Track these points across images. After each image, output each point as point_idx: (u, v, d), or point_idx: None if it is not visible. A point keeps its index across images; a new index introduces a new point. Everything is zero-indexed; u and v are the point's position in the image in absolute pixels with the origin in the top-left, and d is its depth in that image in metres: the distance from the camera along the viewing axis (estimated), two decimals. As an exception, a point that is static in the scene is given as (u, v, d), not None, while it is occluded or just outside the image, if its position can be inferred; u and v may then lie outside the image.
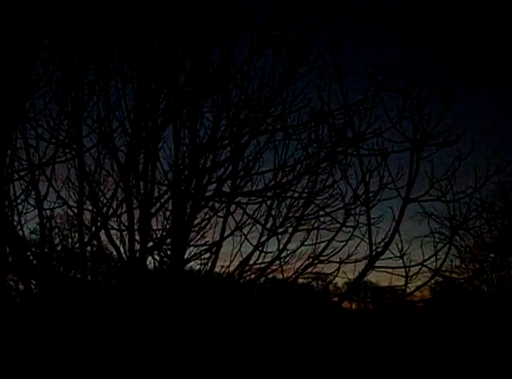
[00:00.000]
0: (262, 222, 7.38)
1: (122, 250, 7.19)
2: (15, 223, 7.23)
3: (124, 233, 7.23)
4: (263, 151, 7.32)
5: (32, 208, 7.39)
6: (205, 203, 7.06)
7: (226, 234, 7.27)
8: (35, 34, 7.00)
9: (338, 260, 7.59)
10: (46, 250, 7.38)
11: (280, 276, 7.84)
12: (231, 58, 7.23)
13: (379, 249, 7.67)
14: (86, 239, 7.22)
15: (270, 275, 7.91)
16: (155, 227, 7.31)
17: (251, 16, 7.26)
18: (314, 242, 7.56)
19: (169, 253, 7.27)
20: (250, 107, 7.22)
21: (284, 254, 7.43)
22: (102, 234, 7.26)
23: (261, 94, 7.13)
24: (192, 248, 7.36)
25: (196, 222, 7.22)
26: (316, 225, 7.53)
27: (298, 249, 7.43)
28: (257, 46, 7.22)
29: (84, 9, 7.22)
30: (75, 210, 7.28)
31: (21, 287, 8.09)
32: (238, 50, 7.36)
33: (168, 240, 7.20)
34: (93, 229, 7.30)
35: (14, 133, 7.15)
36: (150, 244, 7.17)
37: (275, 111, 7.24)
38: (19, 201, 7.23)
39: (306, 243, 7.55)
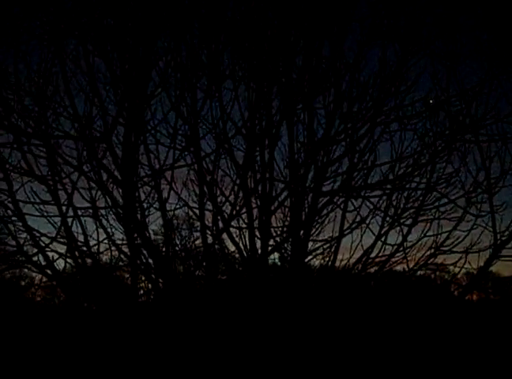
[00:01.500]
0: (383, 212, 7.32)
1: (243, 248, 7.38)
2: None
3: (243, 231, 7.41)
4: (378, 143, 7.28)
5: (154, 211, 7.69)
6: (330, 198, 7.08)
7: (345, 228, 7.28)
8: (152, 46, 7.27)
9: (460, 250, 7.45)
10: (171, 250, 7.67)
11: (398, 268, 7.78)
12: (341, 51, 7.21)
13: (504, 238, 7.45)
14: (209, 241, 7.41)
15: (389, 268, 7.81)
16: (274, 224, 7.43)
17: (359, 8, 7.23)
18: (434, 232, 7.45)
19: (289, 248, 7.37)
20: (363, 100, 7.18)
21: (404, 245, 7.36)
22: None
23: (375, 85, 7.06)
24: (311, 243, 7.44)
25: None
26: (436, 215, 7.38)
27: (420, 240, 7.33)
28: (367, 38, 7.16)
29: (194, 16, 7.43)
30: (196, 211, 7.51)
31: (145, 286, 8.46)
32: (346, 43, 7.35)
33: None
34: (214, 229, 7.50)
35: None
36: (271, 241, 7.29)
37: (390, 102, 7.17)
38: (145, 206, 7.52)
39: (427, 234, 7.43)
